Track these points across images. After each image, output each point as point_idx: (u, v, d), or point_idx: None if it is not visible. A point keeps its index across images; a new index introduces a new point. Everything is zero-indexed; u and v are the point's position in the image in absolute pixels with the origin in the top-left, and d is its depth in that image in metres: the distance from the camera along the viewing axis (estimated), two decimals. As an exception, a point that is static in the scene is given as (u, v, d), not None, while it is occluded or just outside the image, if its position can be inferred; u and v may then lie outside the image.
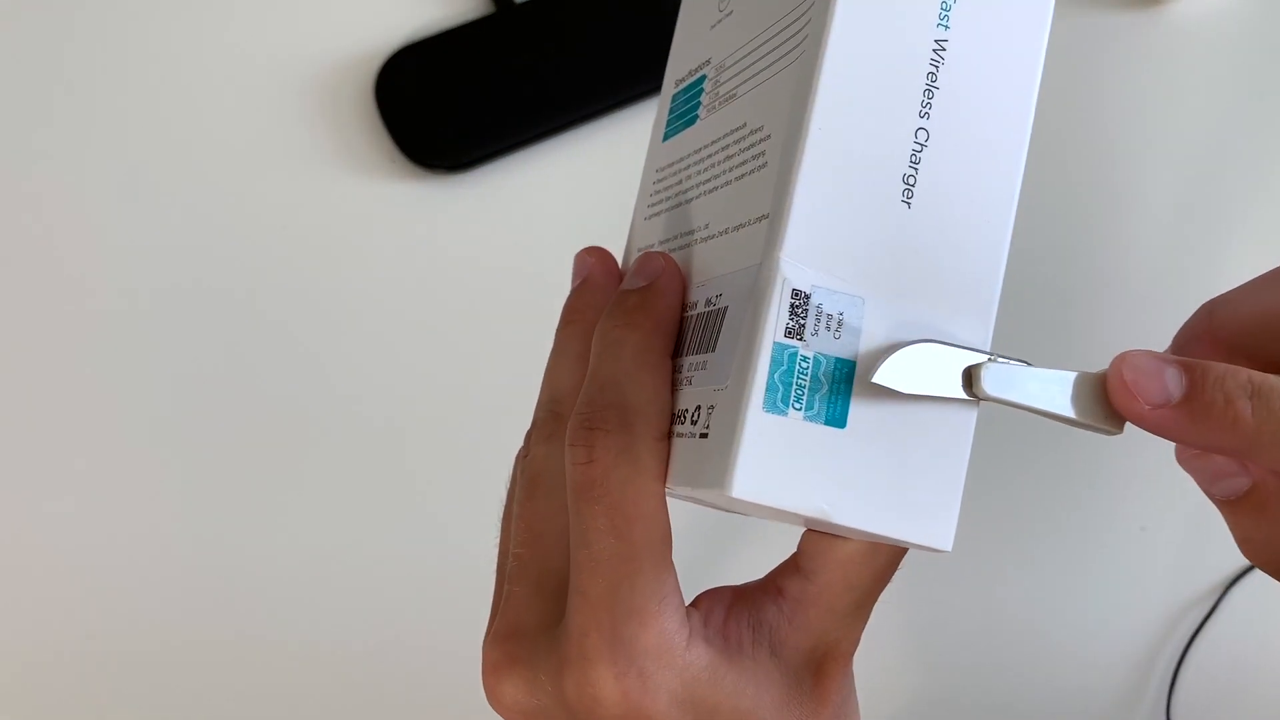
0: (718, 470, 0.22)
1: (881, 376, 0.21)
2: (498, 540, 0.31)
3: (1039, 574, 0.52)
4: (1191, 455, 0.26)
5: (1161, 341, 0.32)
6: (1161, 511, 0.53)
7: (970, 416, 0.23)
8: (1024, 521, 0.53)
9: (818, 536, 0.26)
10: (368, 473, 0.54)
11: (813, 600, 0.26)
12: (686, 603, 0.26)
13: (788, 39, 0.24)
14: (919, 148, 0.22)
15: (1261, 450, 0.22)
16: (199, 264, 0.57)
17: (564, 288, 0.60)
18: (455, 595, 0.52)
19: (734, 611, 0.27)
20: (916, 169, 0.22)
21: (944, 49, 0.22)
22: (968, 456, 0.23)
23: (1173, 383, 0.23)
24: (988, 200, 0.22)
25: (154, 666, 0.52)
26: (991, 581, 0.52)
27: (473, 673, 0.28)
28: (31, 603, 0.52)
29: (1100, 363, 0.25)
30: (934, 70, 0.22)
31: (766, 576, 0.27)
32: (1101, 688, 0.51)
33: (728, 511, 0.28)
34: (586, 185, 0.60)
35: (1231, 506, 0.26)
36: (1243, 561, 0.52)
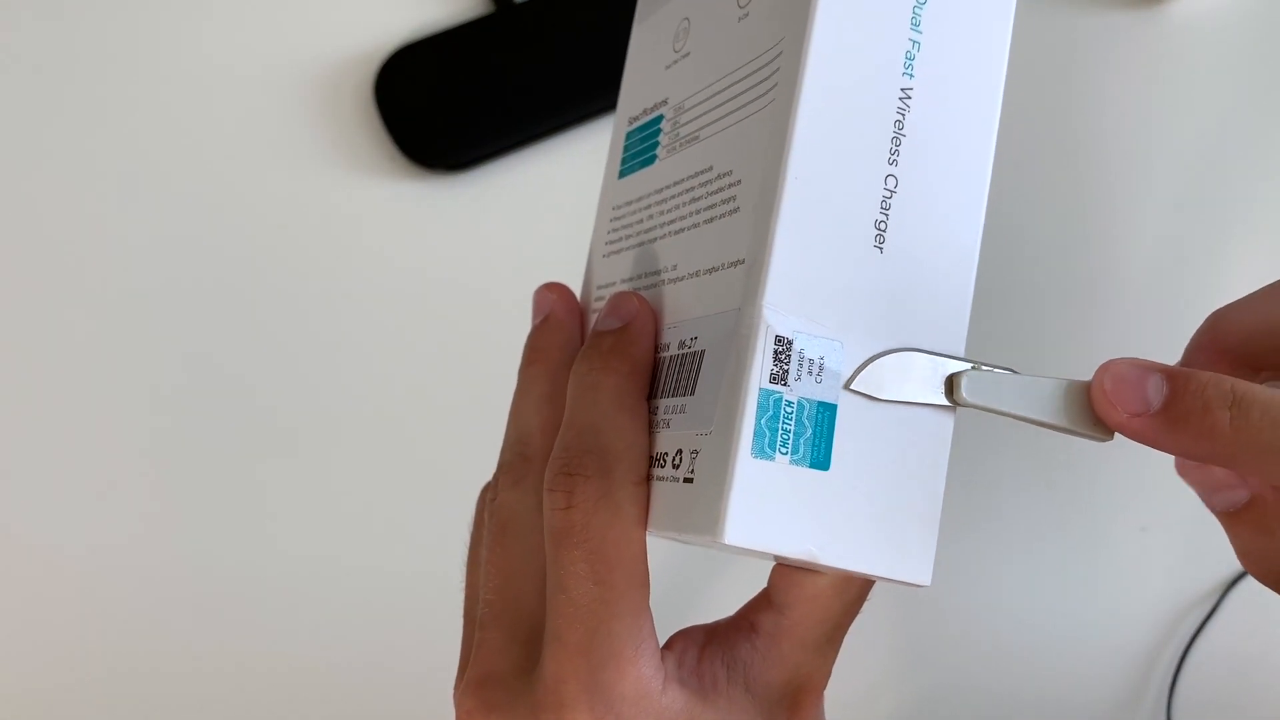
0: (709, 517, 0.22)
1: (861, 384, 0.22)
2: (464, 584, 0.30)
3: (1039, 574, 0.52)
4: (1191, 467, 0.26)
5: (1161, 340, 0.32)
6: (1161, 511, 0.53)
7: (944, 455, 0.24)
8: (1024, 521, 0.53)
9: (788, 571, 0.26)
10: (366, 473, 0.54)
11: (786, 634, 0.26)
12: (660, 644, 0.26)
13: (755, 85, 0.24)
14: (889, 194, 0.23)
15: (1237, 460, 0.22)
16: (198, 263, 0.57)
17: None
18: (447, 597, 0.52)
19: (707, 651, 0.27)
20: (887, 215, 0.23)
21: (909, 96, 0.23)
22: (942, 495, 0.23)
23: (1154, 391, 0.23)
24: (954, 241, 0.24)
25: (138, 674, 0.51)
26: (991, 582, 0.52)
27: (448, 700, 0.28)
28: (15, 605, 0.52)
29: (1097, 365, 0.25)
30: (900, 118, 0.23)
31: (738, 612, 0.27)
32: (1102, 688, 0.51)
33: (701, 547, 0.28)
34: (586, 185, 0.60)
35: (1230, 519, 0.25)
36: (1243, 562, 0.52)
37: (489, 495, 0.29)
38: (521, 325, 0.57)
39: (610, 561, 0.24)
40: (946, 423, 0.24)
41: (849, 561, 0.23)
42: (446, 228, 0.58)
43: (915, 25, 0.23)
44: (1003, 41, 0.24)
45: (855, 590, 0.26)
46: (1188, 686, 0.50)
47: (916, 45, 0.23)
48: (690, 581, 0.46)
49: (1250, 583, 0.52)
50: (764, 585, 0.27)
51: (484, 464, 0.54)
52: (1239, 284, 0.30)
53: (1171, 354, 0.31)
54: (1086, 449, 0.54)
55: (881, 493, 0.23)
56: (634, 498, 0.25)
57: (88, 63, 0.62)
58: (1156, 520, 0.53)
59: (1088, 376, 0.24)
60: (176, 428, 0.55)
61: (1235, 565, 0.52)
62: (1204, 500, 0.26)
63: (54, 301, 0.57)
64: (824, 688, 0.27)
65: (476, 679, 0.26)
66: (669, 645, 0.27)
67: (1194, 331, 0.29)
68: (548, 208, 0.59)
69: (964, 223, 0.24)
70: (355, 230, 0.58)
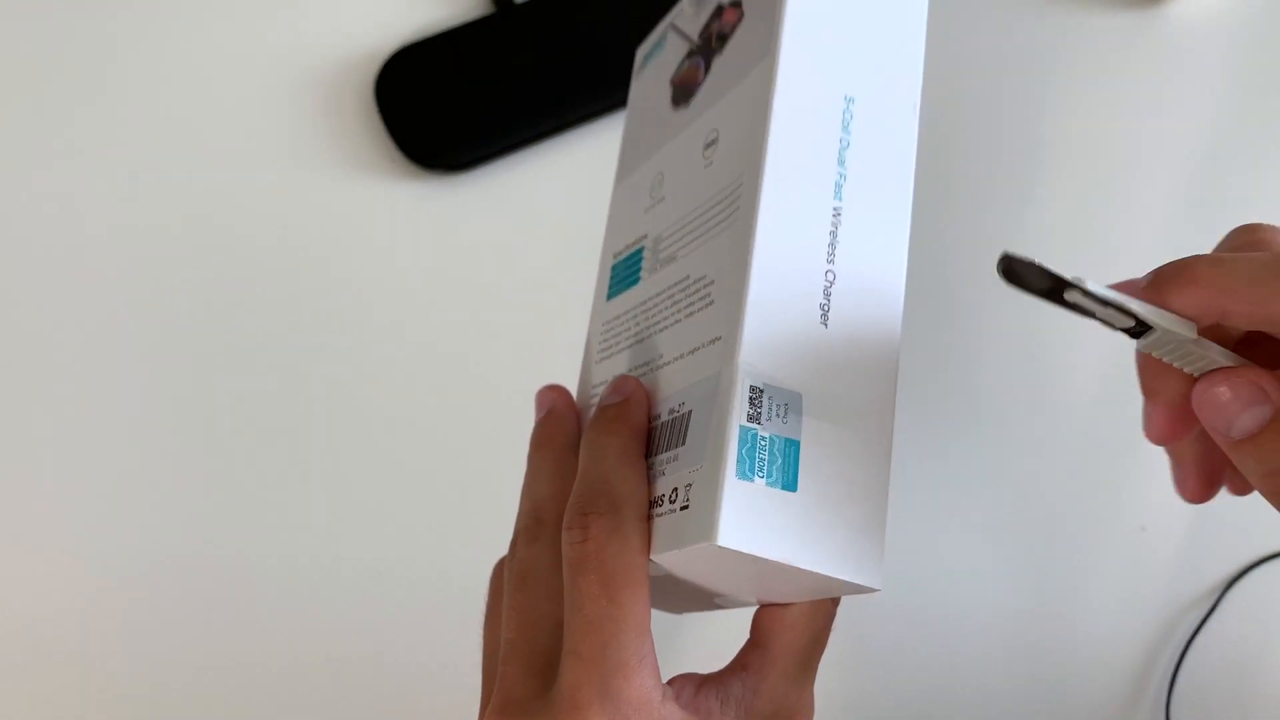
0: (704, 527, 0.27)
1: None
2: (482, 643, 0.34)
3: (1038, 574, 0.52)
4: (1214, 398, 0.27)
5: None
6: (1161, 511, 0.53)
7: (885, 482, 0.29)
8: (1023, 521, 0.53)
9: (767, 610, 0.31)
10: (365, 470, 0.54)
11: (770, 666, 0.31)
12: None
13: (721, 210, 0.32)
14: (829, 284, 0.30)
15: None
16: (198, 263, 0.57)
17: (562, 287, 0.60)
18: (450, 598, 0.52)
19: (703, 687, 0.31)
20: (829, 299, 0.30)
21: (839, 214, 0.30)
22: (886, 514, 0.28)
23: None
24: (882, 316, 0.30)
25: (146, 671, 0.52)
26: (990, 581, 0.52)
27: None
28: (20, 602, 0.52)
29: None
30: (834, 229, 0.30)
31: (732, 660, 0.32)
32: (1101, 687, 0.51)
33: (693, 609, 0.34)
34: (586, 185, 0.60)
35: (1256, 440, 0.27)
36: (1242, 561, 0.52)
37: (507, 557, 0.33)
38: (520, 324, 0.57)
39: (619, 583, 0.28)
40: (885, 455, 0.29)
41: (816, 565, 0.27)
42: (446, 228, 0.59)
43: (841, 163, 0.31)
44: (908, 170, 0.32)
45: (822, 618, 0.31)
46: (1186, 686, 0.51)
47: (843, 177, 0.31)
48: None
49: (1248, 582, 0.52)
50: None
51: (482, 460, 0.54)
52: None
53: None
54: (1086, 450, 0.54)
55: (837, 511, 0.28)
56: (639, 531, 0.29)
57: (90, 63, 0.62)
58: (1156, 520, 0.53)
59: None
60: (176, 427, 0.55)
61: (1235, 565, 0.52)
62: (1223, 431, 0.27)
63: (54, 300, 0.57)
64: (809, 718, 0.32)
65: (498, 705, 0.30)
66: (669, 682, 0.30)
67: None
68: (547, 208, 0.59)
69: (888, 302, 0.30)
70: (355, 230, 0.58)
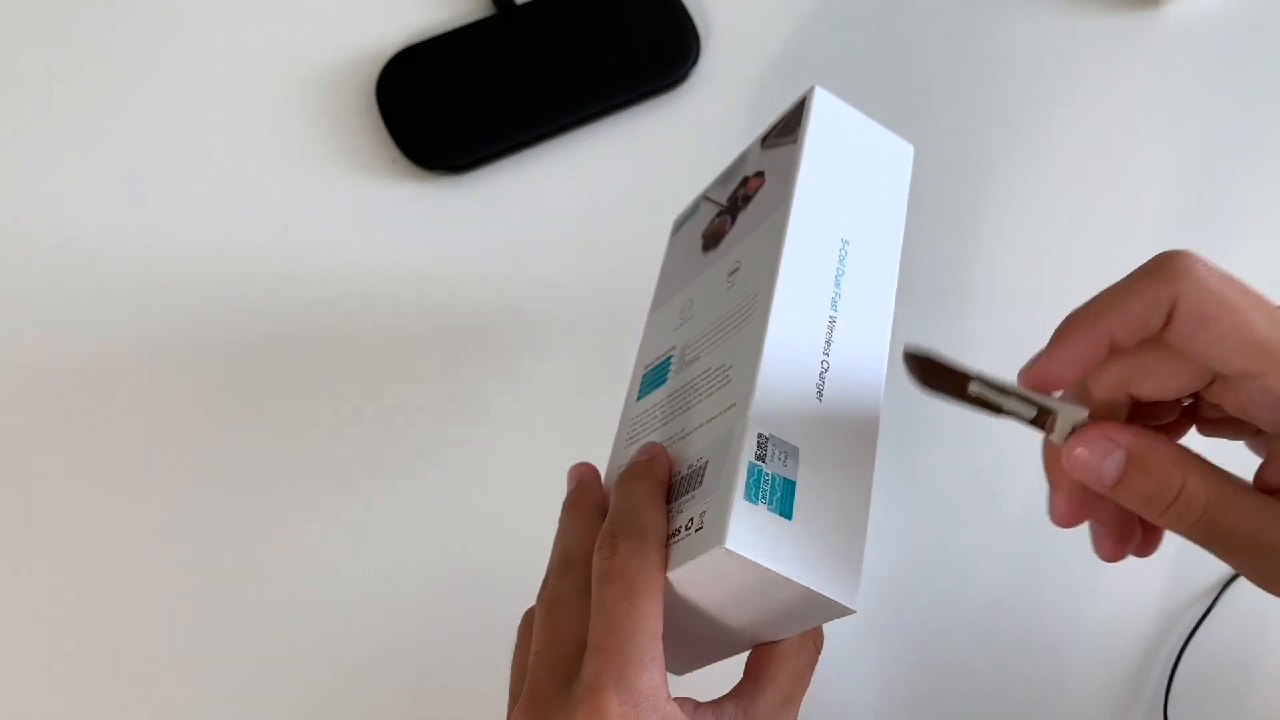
0: (716, 535, 0.32)
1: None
2: (510, 679, 0.37)
3: (1037, 571, 0.52)
4: (1077, 459, 0.32)
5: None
6: (1160, 510, 0.53)
7: (865, 520, 0.35)
8: (1022, 518, 0.53)
9: (759, 649, 0.37)
10: (364, 470, 0.54)
11: (760, 694, 0.36)
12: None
13: (738, 317, 0.39)
14: (824, 369, 0.37)
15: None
16: (199, 264, 0.58)
17: (562, 287, 0.60)
18: (452, 597, 0.52)
19: (701, 708, 0.35)
20: (824, 380, 0.37)
21: (834, 320, 0.38)
22: (864, 546, 0.34)
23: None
24: (865, 394, 0.37)
25: (159, 672, 0.52)
26: (988, 580, 0.52)
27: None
28: (35, 603, 0.53)
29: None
30: (830, 330, 0.38)
31: (728, 692, 0.37)
32: (1099, 686, 0.51)
33: (695, 663, 0.39)
34: (586, 186, 0.60)
35: (1124, 481, 0.32)
36: (1240, 560, 0.52)
37: (538, 596, 0.37)
38: (519, 324, 0.57)
39: (639, 591, 0.33)
40: (865, 501, 0.35)
41: (804, 579, 0.33)
42: (447, 229, 0.59)
43: (837, 285, 0.39)
44: (890, 293, 0.40)
45: (806, 657, 0.37)
46: (1184, 684, 0.51)
47: (838, 295, 0.39)
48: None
49: (1246, 581, 0.52)
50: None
51: (482, 459, 0.54)
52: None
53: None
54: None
55: (824, 540, 0.34)
56: (659, 552, 0.34)
57: (91, 63, 0.62)
58: (1154, 519, 0.53)
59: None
60: (178, 428, 0.55)
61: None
62: (1095, 484, 0.32)
63: (55, 301, 0.57)
64: None
65: (525, 703, 0.34)
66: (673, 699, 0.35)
67: None
68: (547, 210, 0.59)
69: (871, 385, 0.38)
70: (357, 231, 0.59)
